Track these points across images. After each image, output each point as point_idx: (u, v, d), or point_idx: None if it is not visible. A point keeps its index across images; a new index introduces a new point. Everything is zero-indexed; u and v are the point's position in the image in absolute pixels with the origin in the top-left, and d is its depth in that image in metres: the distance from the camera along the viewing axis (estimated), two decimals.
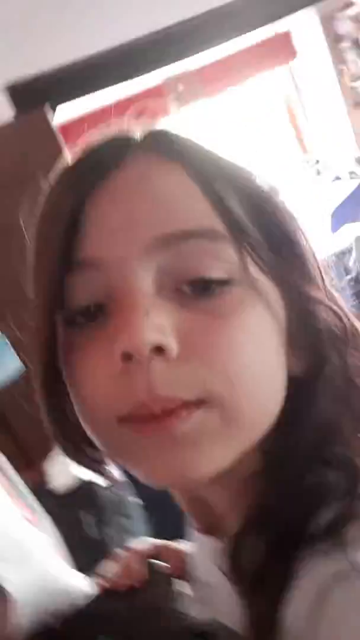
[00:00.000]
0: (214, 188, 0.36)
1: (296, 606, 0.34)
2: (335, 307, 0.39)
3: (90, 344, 0.36)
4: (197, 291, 0.35)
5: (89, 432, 0.38)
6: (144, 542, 0.60)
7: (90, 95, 1.88)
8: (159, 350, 0.33)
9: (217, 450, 0.35)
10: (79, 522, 1.10)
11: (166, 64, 1.99)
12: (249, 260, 0.36)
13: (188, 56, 2.00)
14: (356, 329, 0.40)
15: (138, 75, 1.95)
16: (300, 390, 0.39)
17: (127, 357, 0.33)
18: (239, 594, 0.37)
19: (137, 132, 0.39)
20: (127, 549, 0.58)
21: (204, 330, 0.35)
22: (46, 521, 0.96)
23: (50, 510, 1.02)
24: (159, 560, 0.55)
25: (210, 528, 0.44)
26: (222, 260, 0.35)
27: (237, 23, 1.94)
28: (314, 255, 0.40)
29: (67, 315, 0.37)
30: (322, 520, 0.36)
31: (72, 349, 0.37)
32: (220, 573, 0.39)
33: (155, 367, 0.33)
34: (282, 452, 0.39)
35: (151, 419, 0.34)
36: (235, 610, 0.37)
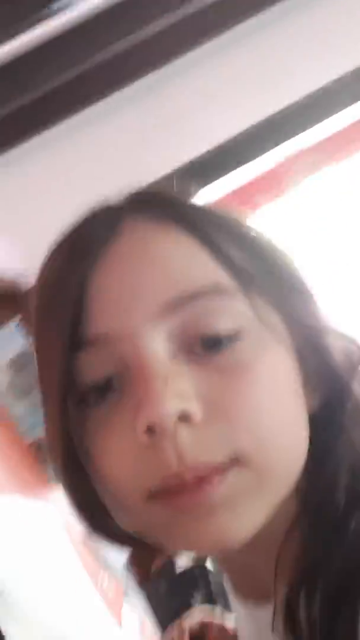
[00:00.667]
0: (211, 238, 0.36)
1: None
2: (348, 334, 0.38)
3: (108, 421, 0.35)
4: (209, 349, 0.35)
5: (114, 513, 0.37)
6: (193, 616, 0.58)
7: (210, 186, 1.97)
8: (184, 417, 0.32)
9: (253, 509, 0.34)
10: (190, 604, 1.14)
11: (281, 144, 2.03)
12: (258, 301, 0.36)
13: (301, 134, 2.03)
14: None
15: (254, 160, 2.01)
16: (322, 428, 0.38)
17: (152, 430, 0.32)
18: None
19: (123, 197, 0.39)
20: (178, 624, 0.57)
21: (222, 390, 0.34)
22: (134, 594, 1.03)
23: (163, 593, 1.09)
24: (204, 636, 0.54)
25: (257, 596, 0.41)
26: (229, 313, 0.35)
27: (350, 93, 1.95)
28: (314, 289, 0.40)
29: (79, 395, 0.36)
30: None
31: (88, 429, 0.36)
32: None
33: (182, 435, 0.32)
34: (318, 495, 0.37)
35: (183, 490, 0.33)
36: None
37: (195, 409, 0.33)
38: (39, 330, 0.38)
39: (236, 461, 0.33)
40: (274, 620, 0.37)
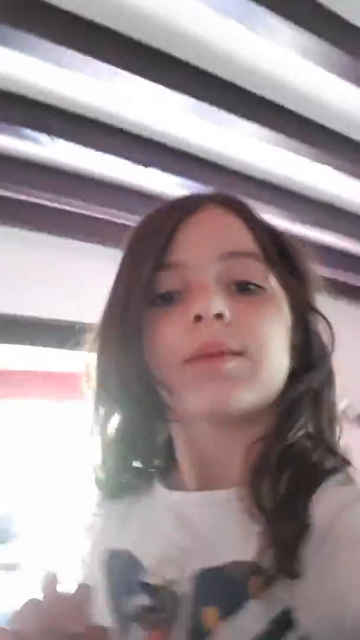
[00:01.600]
0: (254, 229, 0.58)
1: (313, 527, 0.48)
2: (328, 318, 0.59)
3: (167, 315, 0.55)
4: (241, 290, 0.55)
5: (157, 374, 0.55)
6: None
7: None
8: (219, 315, 0.52)
9: (247, 389, 0.53)
10: None
11: None
12: (271, 275, 0.57)
13: None
14: None
15: None
16: (292, 381, 0.57)
17: (198, 318, 0.52)
18: (263, 527, 0.50)
19: (207, 192, 0.64)
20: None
21: (244, 312, 0.54)
22: None
23: None
24: None
25: (219, 482, 0.56)
26: (260, 274, 0.56)
27: None
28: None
29: (152, 297, 0.56)
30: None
31: (152, 319, 0.55)
32: (229, 518, 0.53)
33: (216, 325, 0.52)
34: (285, 414, 0.56)
35: (208, 357, 0.52)
36: (247, 547, 0.50)
37: (227, 314, 0.53)
38: (132, 251, 0.59)
39: (243, 352, 0.53)
40: (231, 503, 0.54)
